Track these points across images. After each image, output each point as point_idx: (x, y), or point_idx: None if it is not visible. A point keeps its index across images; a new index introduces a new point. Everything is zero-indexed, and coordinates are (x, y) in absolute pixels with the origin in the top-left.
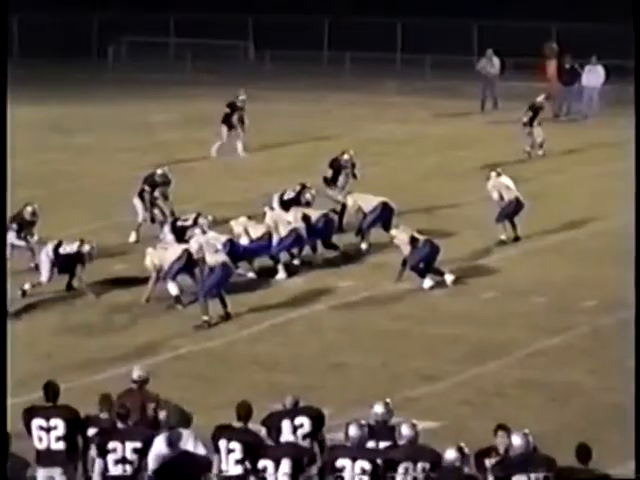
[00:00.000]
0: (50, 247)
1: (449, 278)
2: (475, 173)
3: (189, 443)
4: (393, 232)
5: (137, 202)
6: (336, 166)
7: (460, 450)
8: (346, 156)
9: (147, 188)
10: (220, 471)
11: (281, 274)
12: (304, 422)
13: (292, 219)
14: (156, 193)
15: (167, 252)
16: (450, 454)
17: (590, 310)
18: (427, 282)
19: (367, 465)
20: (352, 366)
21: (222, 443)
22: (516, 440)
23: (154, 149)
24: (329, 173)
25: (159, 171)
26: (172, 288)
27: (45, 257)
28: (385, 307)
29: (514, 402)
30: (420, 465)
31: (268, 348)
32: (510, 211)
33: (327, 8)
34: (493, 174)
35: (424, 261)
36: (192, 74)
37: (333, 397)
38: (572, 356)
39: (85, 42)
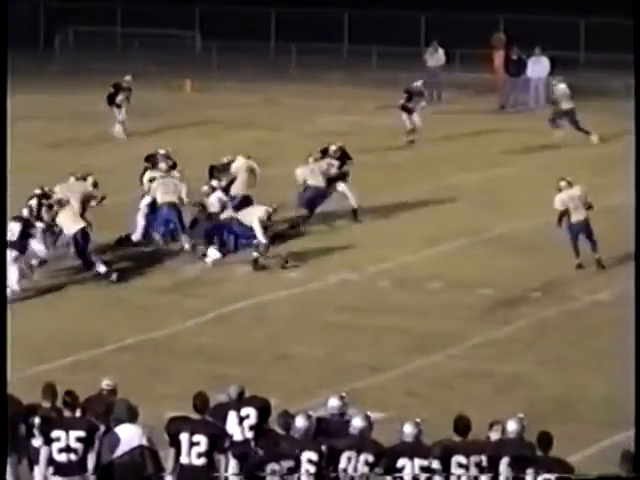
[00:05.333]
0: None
1: None
2: (420, 163)
3: (141, 438)
4: None
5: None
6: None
7: (417, 425)
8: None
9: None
10: (177, 464)
11: (210, 256)
12: (250, 413)
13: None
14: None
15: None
16: (408, 428)
17: (535, 301)
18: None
19: (314, 456)
20: (298, 357)
21: (184, 436)
22: (511, 425)
23: (101, 139)
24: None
25: (161, 151)
26: (100, 267)
27: None
28: (331, 298)
29: (460, 393)
30: (363, 456)
31: (214, 339)
32: None
33: None
34: None
35: None
36: (139, 64)
37: (279, 388)
38: (517, 347)
39: (32, 31)
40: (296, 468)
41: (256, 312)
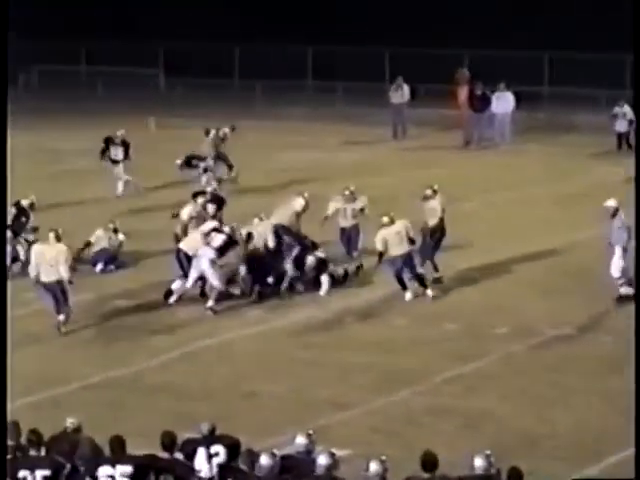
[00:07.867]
0: None
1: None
2: (390, 198)
3: None
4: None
5: None
6: None
7: (382, 462)
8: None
9: None
10: None
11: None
12: (219, 451)
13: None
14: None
15: None
16: (373, 466)
17: (502, 337)
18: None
19: None
20: (263, 395)
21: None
22: (477, 462)
23: (64, 177)
24: None
25: None
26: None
27: None
28: (295, 335)
29: (426, 429)
30: None
31: (178, 376)
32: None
33: (237, 36)
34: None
35: None
36: (103, 102)
37: (245, 426)
38: (484, 383)
39: None
40: None
41: (221, 349)
